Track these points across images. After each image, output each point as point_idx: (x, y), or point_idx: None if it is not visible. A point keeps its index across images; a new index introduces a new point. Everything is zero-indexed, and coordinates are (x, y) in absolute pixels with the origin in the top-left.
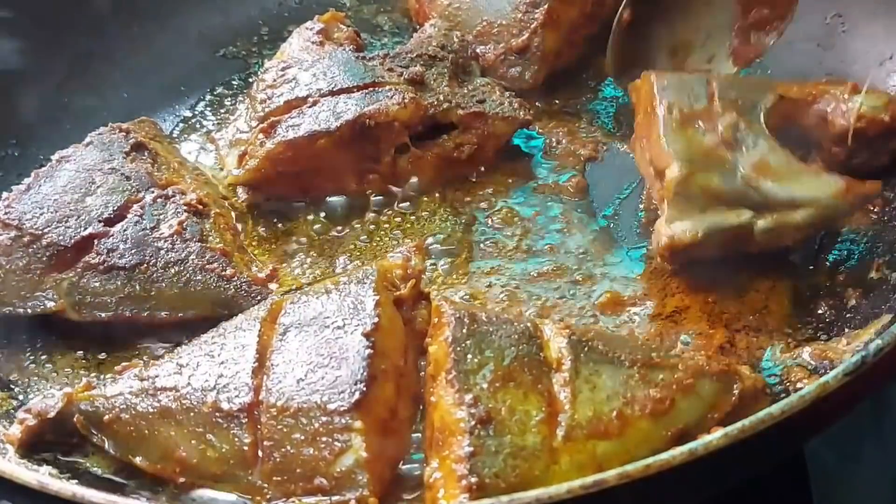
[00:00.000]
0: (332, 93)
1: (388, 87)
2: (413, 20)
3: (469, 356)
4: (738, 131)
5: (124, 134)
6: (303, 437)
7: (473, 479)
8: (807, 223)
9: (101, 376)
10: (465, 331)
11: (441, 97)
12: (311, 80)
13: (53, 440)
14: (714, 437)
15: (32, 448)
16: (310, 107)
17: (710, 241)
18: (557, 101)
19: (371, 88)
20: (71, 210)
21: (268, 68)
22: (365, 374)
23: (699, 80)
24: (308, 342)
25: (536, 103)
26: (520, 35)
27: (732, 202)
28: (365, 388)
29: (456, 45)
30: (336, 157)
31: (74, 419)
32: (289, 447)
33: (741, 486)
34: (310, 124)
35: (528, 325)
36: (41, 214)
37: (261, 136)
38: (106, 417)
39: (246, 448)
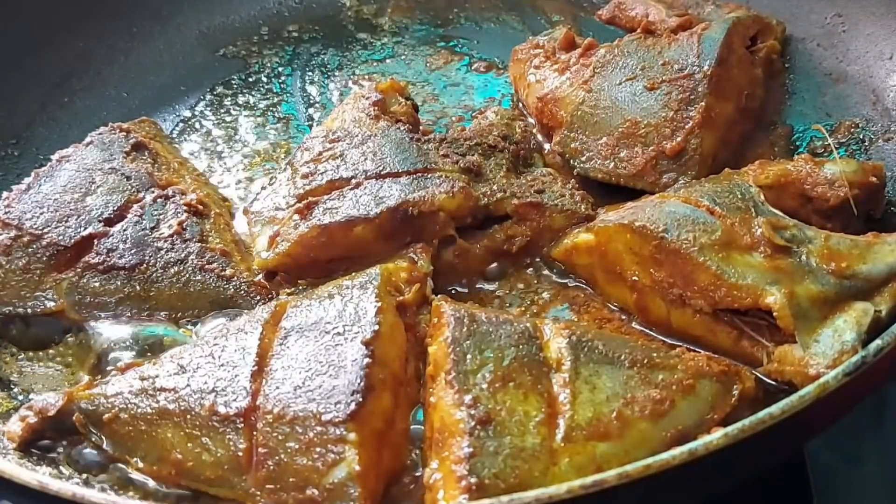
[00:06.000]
0: (379, 176)
1: (438, 174)
2: (537, 123)
3: (469, 356)
4: (779, 233)
5: (124, 134)
6: (297, 447)
7: (473, 480)
8: None
9: (102, 376)
10: (464, 331)
11: (495, 187)
12: (358, 158)
13: (53, 439)
14: (714, 437)
15: (32, 447)
16: (352, 189)
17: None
18: None
19: (421, 174)
20: (71, 210)
21: (315, 136)
22: (362, 384)
23: (692, 209)
24: (308, 348)
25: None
26: (673, 137)
27: (839, 300)
28: (361, 399)
29: (518, 135)
30: (373, 247)
31: (74, 418)
32: (283, 455)
33: (741, 486)
34: (348, 208)
35: (528, 325)
36: (41, 214)
37: (296, 216)
38: (105, 416)
39: (241, 454)
